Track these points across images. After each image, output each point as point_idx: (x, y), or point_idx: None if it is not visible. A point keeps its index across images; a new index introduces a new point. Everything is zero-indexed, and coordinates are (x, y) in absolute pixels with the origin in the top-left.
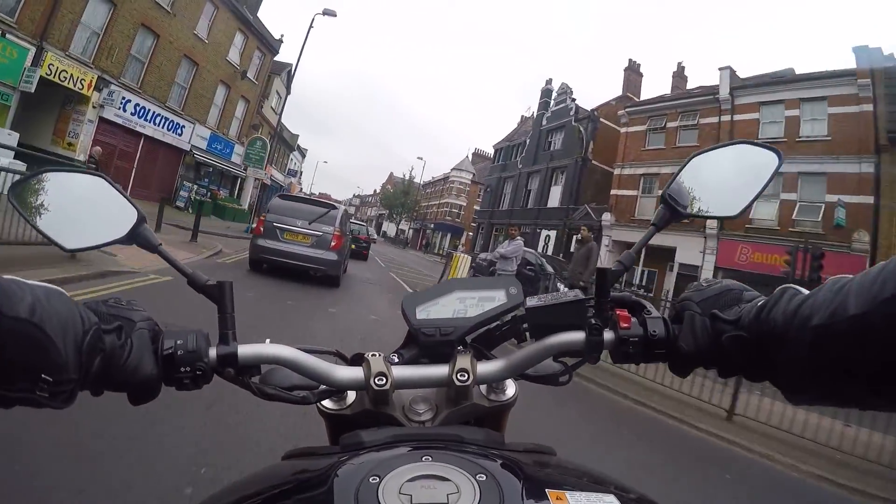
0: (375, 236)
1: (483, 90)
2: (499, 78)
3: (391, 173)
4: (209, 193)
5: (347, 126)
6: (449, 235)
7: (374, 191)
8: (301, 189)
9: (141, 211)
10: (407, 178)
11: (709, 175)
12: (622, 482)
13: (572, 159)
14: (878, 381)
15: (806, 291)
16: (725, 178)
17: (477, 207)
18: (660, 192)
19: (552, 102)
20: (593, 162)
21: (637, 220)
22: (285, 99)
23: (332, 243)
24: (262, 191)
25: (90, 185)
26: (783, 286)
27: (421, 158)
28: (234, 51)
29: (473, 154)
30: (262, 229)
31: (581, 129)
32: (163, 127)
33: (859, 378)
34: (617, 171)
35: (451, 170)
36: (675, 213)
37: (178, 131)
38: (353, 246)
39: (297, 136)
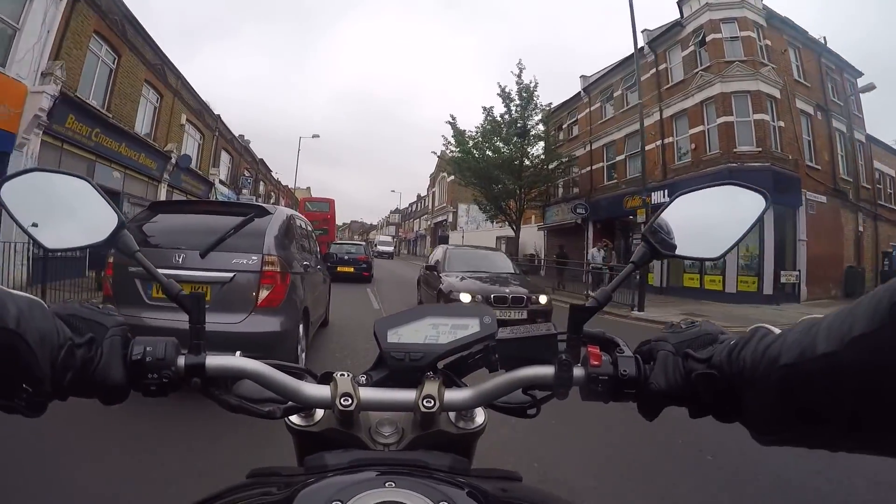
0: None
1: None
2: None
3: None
4: None
5: (360, 150)
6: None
7: (418, 195)
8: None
9: (122, 217)
10: (514, 90)
11: (693, 215)
12: None
13: None
14: (849, 424)
15: (778, 331)
16: (710, 219)
17: (807, 110)
18: None
19: None
20: None
21: None
22: None
23: (264, 292)
24: None
25: (76, 187)
26: (756, 326)
27: None
28: None
29: None
30: (110, 285)
31: None
32: None
33: (829, 421)
34: None
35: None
36: (655, 253)
37: None
38: (350, 269)
39: None
